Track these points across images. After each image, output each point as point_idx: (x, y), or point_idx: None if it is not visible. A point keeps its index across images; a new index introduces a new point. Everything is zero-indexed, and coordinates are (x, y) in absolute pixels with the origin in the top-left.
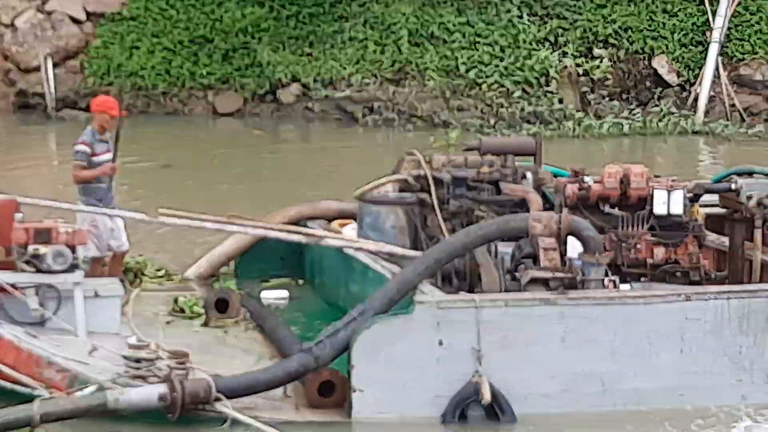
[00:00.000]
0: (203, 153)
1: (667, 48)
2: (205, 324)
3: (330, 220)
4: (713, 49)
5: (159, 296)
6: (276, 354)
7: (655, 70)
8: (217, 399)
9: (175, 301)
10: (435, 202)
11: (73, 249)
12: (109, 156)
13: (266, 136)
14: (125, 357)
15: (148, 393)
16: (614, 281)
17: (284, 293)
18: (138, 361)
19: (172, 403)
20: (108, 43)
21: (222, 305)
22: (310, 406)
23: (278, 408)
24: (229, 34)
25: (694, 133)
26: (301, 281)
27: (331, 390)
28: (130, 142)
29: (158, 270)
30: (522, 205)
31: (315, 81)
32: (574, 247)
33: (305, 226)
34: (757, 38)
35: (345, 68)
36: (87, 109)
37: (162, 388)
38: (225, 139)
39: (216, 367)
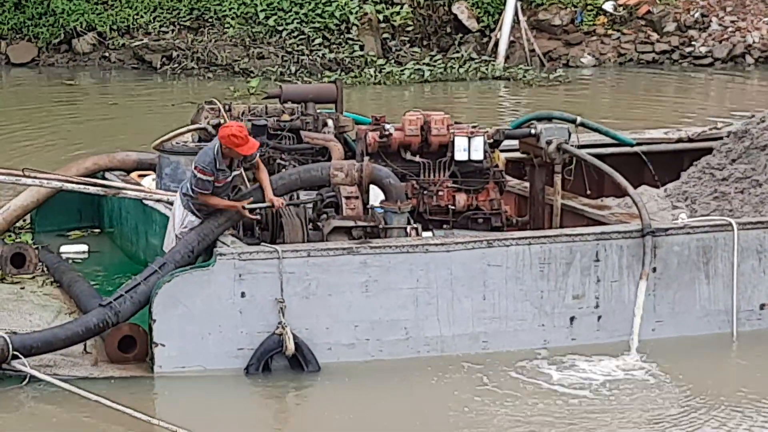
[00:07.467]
0: None
1: None
2: (1, 280)
3: (128, 171)
4: None
5: None
6: (75, 310)
7: (455, 16)
8: (15, 357)
9: None
10: None
11: None
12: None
13: (72, 87)
14: None
15: None
16: (416, 229)
17: (83, 247)
18: None
19: None
20: None
21: (18, 260)
22: (111, 362)
23: (78, 364)
24: None
25: (495, 78)
26: (98, 231)
27: (131, 345)
28: None
29: None
30: (323, 153)
31: (111, 29)
32: (376, 195)
33: (103, 177)
34: None
35: (142, 16)
36: None
37: None
38: (20, 90)
39: (12, 324)
